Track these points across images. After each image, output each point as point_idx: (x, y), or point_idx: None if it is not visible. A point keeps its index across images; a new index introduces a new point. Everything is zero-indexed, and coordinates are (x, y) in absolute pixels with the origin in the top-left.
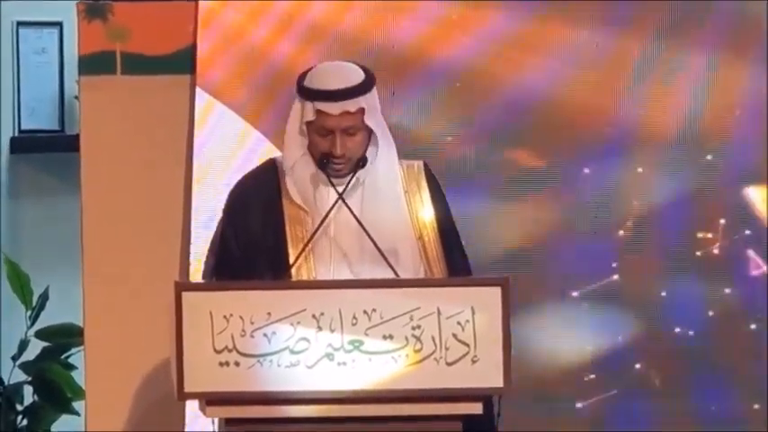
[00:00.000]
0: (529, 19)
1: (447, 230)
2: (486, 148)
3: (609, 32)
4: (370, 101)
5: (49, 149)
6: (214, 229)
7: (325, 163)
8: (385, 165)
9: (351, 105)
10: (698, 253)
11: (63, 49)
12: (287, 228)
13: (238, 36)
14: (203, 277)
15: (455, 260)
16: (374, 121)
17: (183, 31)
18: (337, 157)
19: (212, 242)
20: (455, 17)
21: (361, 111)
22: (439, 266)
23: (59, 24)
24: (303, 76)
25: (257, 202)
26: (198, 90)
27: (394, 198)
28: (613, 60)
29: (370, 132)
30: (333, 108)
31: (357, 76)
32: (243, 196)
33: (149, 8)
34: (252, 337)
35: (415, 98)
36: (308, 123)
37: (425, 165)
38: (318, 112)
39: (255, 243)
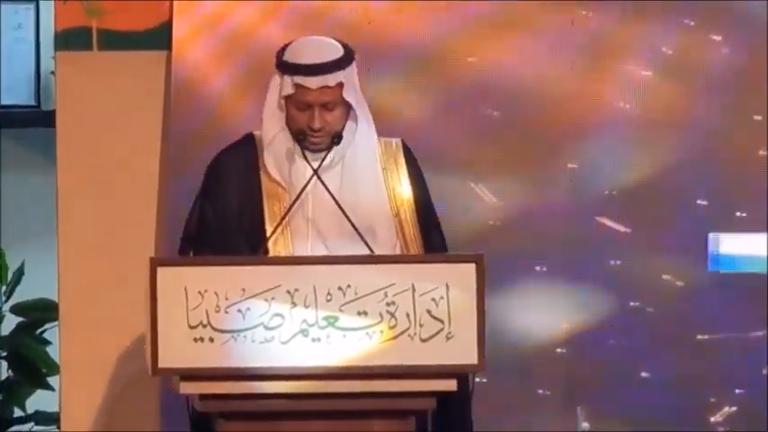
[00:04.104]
0: None
1: (424, 208)
2: (462, 125)
3: (586, 11)
4: (349, 76)
5: (25, 125)
6: (190, 204)
7: (301, 139)
8: (364, 141)
9: (330, 80)
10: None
11: (39, 24)
12: (264, 203)
13: (218, 16)
14: (180, 252)
15: (432, 238)
16: (353, 95)
17: (160, 7)
18: (315, 130)
19: (189, 217)
20: None
21: (340, 85)
22: (415, 244)
23: (35, 0)
24: (282, 50)
25: (235, 176)
26: (178, 68)
27: (373, 176)
28: (593, 41)
29: (348, 107)
30: (312, 82)
31: (336, 50)
32: (221, 171)
33: None
34: (226, 312)
35: (391, 75)
36: (287, 98)
37: (403, 142)
38: (297, 86)
39: (233, 218)
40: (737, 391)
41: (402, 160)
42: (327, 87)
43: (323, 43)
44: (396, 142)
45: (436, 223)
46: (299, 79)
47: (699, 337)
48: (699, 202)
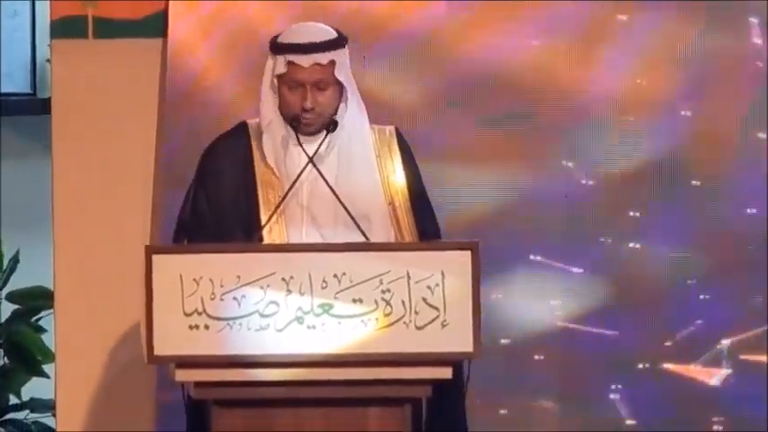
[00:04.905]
0: None
1: (418, 196)
2: (458, 113)
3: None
4: (341, 57)
5: (21, 112)
6: (186, 192)
7: (294, 122)
8: (357, 127)
9: (322, 58)
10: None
11: (35, 12)
12: (259, 191)
13: (214, 4)
14: (174, 239)
15: (426, 226)
16: (344, 75)
17: None
18: (307, 110)
19: (183, 205)
20: None
21: (332, 64)
22: (409, 231)
23: None
24: (276, 36)
25: (229, 165)
26: (173, 55)
27: (367, 163)
28: (589, 27)
29: (340, 91)
30: (304, 60)
31: (329, 33)
32: (214, 159)
33: None
34: (222, 300)
35: (386, 63)
36: (280, 78)
37: (397, 130)
38: (289, 65)
39: (227, 207)
40: None
41: (396, 148)
42: (319, 65)
43: (316, 27)
44: (389, 130)
45: (430, 210)
46: (291, 57)
47: (698, 321)
48: (694, 182)
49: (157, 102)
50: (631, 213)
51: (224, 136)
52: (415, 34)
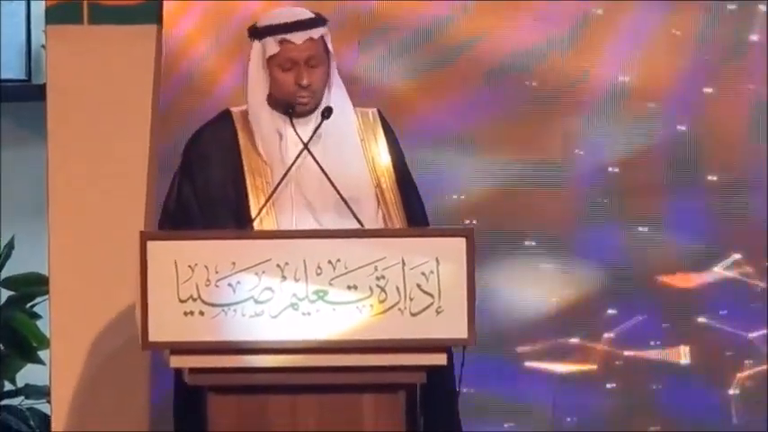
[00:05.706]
0: None
1: (403, 176)
2: (451, 99)
3: None
4: (328, 34)
5: (16, 99)
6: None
7: (290, 106)
8: (342, 110)
9: (314, 33)
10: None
11: None
12: (247, 179)
13: None
14: (158, 228)
15: (413, 205)
16: (333, 51)
17: None
18: (304, 86)
19: (168, 194)
20: None
21: (322, 40)
22: (397, 212)
23: None
24: (254, 24)
25: (215, 152)
26: (168, 42)
27: (353, 147)
28: (584, 13)
29: (327, 72)
30: (297, 36)
31: (310, 13)
32: (200, 147)
33: None
34: (216, 286)
35: (382, 49)
36: (270, 60)
37: (380, 112)
38: (282, 43)
39: (214, 194)
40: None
41: (380, 130)
42: (311, 40)
43: (294, 8)
44: (372, 112)
45: (415, 191)
46: (285, 35)
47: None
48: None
49: (153, 87)
50: (630, 205)
51: (208, 124)
52: (411, 21)
